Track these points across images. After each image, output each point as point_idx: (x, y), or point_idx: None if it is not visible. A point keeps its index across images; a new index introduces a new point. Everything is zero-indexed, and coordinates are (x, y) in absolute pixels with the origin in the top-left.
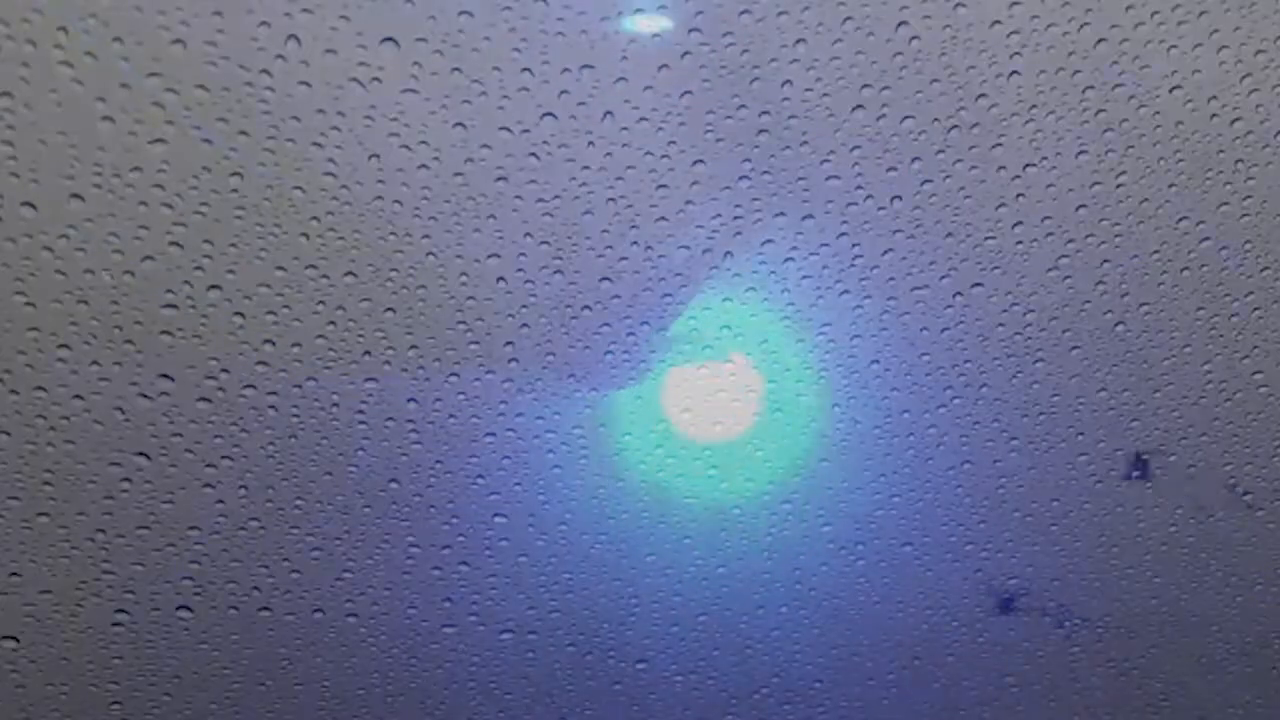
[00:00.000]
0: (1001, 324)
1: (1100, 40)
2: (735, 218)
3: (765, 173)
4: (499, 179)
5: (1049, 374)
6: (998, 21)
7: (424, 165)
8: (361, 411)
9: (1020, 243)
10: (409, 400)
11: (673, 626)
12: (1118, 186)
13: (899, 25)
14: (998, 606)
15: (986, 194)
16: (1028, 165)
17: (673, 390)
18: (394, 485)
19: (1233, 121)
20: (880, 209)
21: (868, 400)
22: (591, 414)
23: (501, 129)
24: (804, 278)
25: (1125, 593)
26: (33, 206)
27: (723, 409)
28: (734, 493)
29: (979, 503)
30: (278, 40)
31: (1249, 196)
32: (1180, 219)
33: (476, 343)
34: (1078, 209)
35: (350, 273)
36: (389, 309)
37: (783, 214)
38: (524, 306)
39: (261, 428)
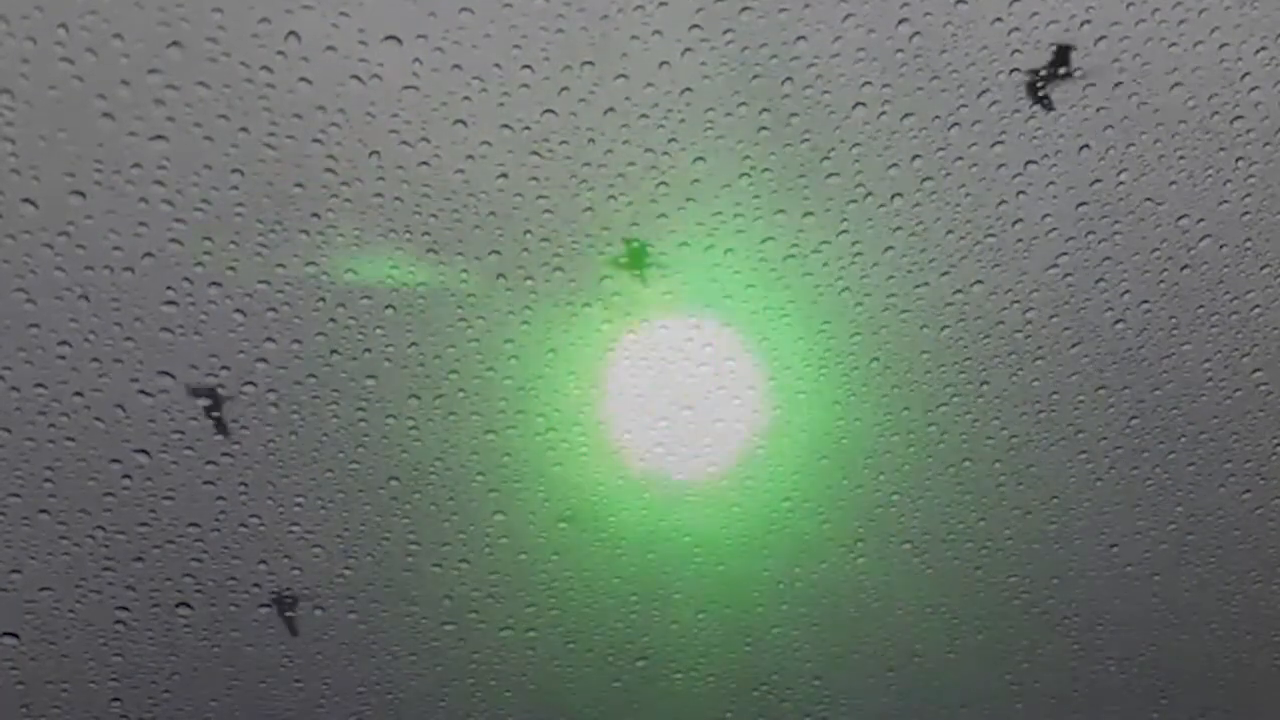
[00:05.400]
0: (1001, 322)
1: (1101, 38)
2: (736, 215)
3: (766, 170)
4: (500, 175)
5: (1049, 372)
6: (999, 19)
7: (424, 162)
8: (362, 409)
9: (1021, 240)
10: (410, 397)
11: (672, 624)
12: (1118, 185)
13: (900, 22)
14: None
15: (987, 191)
16: (1029, 163)
17: (673, 388)
18: (394, 483)
19: (1233, 120)
20: (881, 206)
21: (868, 398)
22: (592, 412)
23: (503, 126)
24: (804, 275)
25: (1125, 592)
26: (33, 203)
27: (723, 407)
28: (733, 490)
29: (979, 502)
30: (278, 37)
31: (1249, 196)
32: (1180, 218)
33: (477, 339)
34: (1078, 207)
35: (350, 269)
36: (389, 305)
37: (783, 211)
38: (526, 306)
39: (261, 425)
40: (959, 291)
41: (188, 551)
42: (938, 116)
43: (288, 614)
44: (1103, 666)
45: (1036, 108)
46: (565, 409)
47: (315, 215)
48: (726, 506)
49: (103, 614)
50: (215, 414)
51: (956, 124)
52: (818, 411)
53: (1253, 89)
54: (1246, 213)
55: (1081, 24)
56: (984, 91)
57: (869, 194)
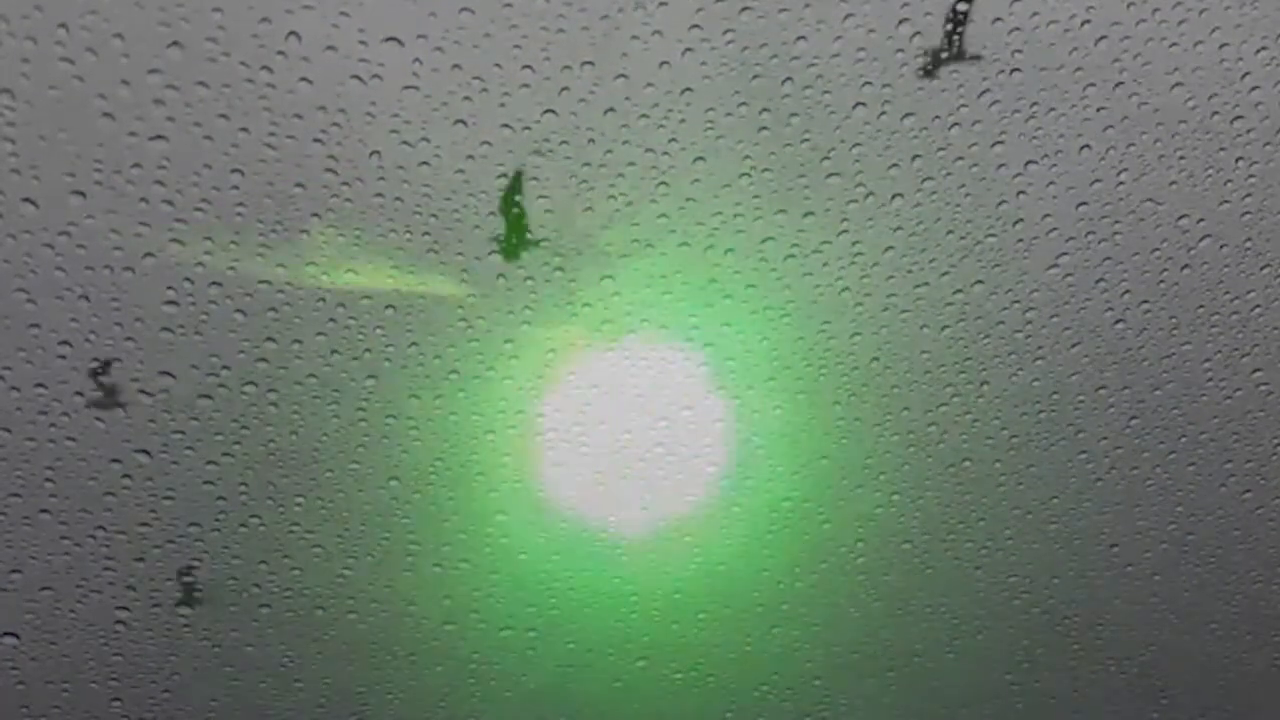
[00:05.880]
0: (1002, 322)
1: (1101, 38)
2: (736, 215)
3: (766, 170)
4: (500, 175)
5: (1049, 372)
6: (999, 19)
7: (425, 162)
8: (362, 409)
9: (1021, 240)
10: (410, 397)
11: (673, 624)
12: (1118, 185)
13: (900, 22)
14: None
15: (987, 191)
16: (1029, 162)
17: (674, 388)
18: (394, 483)
19: (1233, 120)
20: (881, 206)
21: (868, 398)
22: (592, 412)
23: (503, 126)
24: (805, 275)
25: (1125, 592)
26: (33, 203)
27: (724, 406)
28: (733, 490)
29: (979, 502)
30: (278, 37)
31: (1249, 196)
32: (1180, 217)
33: (477, 339)
34: (1078, 207)
35: (351, 270)
36: (389, 305)
37: (783, 211)
38: (526, 306)
39: (262, 425)
40: (959, 291)
41: (188, 551)
42: (937, 116)
43: (288, 613)
44: (1103, 666)
45: (1036, 107)
46: (565, 409)
47: (315, 215)
48: (727, 506)
49: (103, 614)
50: (104, 381)
51: (956, 124)
52: (818, 411)
53: (1253, 89)
54: (1246, 213)
55: (1082, 24)
56: (984, 91)
57: (869, 194)
